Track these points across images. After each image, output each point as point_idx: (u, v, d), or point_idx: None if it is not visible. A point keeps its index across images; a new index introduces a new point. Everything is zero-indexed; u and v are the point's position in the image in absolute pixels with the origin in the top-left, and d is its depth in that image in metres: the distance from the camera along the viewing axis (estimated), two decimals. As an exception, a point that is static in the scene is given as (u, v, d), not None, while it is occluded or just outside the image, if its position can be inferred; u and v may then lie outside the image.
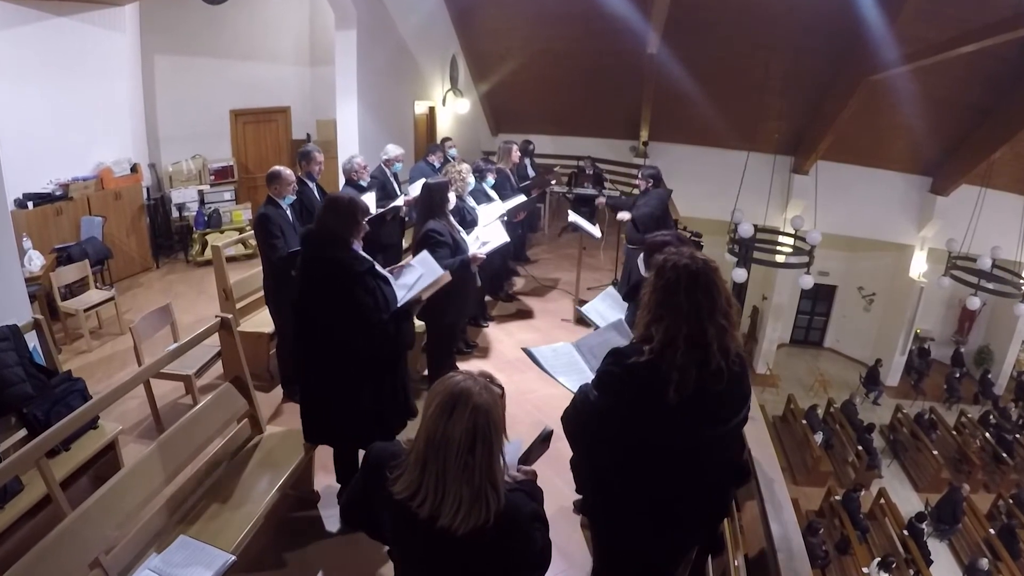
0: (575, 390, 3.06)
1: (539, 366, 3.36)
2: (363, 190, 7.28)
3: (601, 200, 9.49)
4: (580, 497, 4.20)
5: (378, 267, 4.05)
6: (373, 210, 7.07)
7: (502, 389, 2.27)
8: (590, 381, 2.87)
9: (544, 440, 2.83)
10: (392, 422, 4.26)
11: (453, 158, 9.29)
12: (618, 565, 3.10)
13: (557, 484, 4.52)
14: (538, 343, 7.39)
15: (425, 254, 4.84)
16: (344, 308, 3.82)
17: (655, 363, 2.52)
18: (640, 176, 8.03)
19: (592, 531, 3.13)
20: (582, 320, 8.44)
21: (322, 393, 4.11)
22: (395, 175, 8.24)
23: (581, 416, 2.81)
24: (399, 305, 4.08)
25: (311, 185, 6.60)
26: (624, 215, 7.94)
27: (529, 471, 2.52)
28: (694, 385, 2.49)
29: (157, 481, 3.69)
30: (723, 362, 2.54)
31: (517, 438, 2.73)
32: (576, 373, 3.24)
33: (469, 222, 6.69)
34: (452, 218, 6.03)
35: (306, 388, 4.26)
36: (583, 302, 4.65)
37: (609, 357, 2.72)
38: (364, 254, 3.99)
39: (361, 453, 4.50)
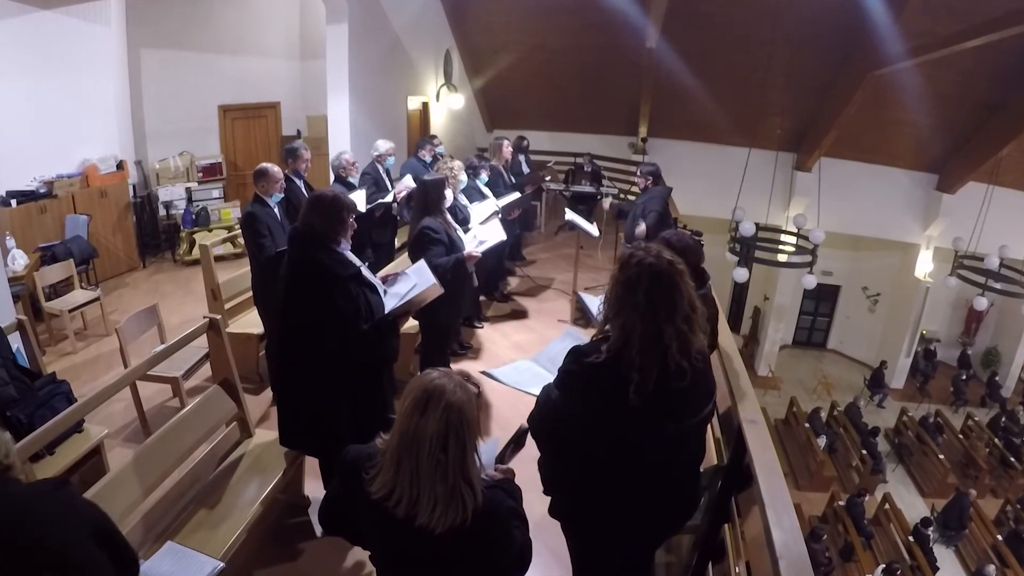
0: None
1: (504, 384, 3.37)
2: (352, 187, 7.29)
3: (607, 203, 9.34)
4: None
5: (366, 272, 4.00)
6: (362, 207, 7.10)
7: (479, 388, 2.30)
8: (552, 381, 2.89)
9: (520, 437, 2.85)
10: (372, 435, 4.21)
11: (441, 155, 9.29)
12: (592, 564, 3.14)
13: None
14: (533, 344, 7.43)
15: (422, 263, 4.80)
16: (324, 312, 3.78)
17: (614, 362, 2.54)
18: (639, 173, 8.00)
19: (564, 532, 3.16)
20: (578, 320, 8.48)
21: (302, 398, 4.06)
22: (387, 171, 8.25)
23: (545, 416, 2.83)
24: (385, 314, 4.06)
25: (298, 183, 6.60)
26: (641, 229, 7.85)
27: (506, 470, 2.56)
28: (655, 384, 2.50)
29: (144, 486, 3.68)
30: (684, 362, 2.55)
31: (493, 438, 2.76)
32: (542, 382, 3.26)
33: (461, 220, 6.68)
34: (448, 216, 6.02)
35: (284, 393, 4.24)
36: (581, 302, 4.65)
37: (569, 356, 2.73)
38: (351, 257, 3.94)
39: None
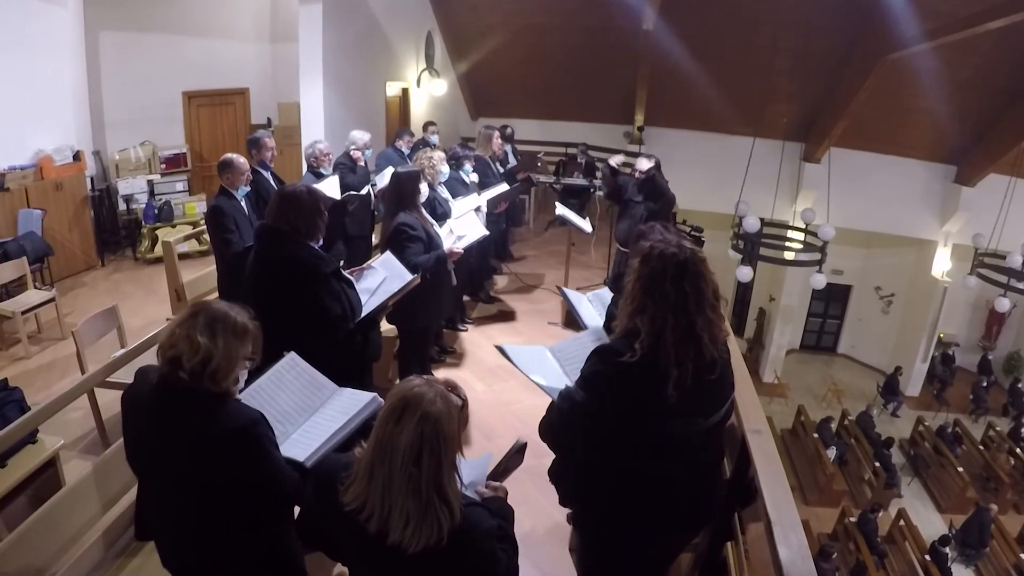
0: (546, 386, 3.15)
1: (512, 363, 3.38)
2: (325, 178, 7.30)
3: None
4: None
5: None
6: (336, 195, 7.11)
7: (464, 401, 2.30)
8: (570, 384, 2.92)
9: (518, 452, 2.86)
10: (352, 441, 4.21)
11: (434, 145, 9.24)
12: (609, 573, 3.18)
13: (541, 503, 4.55)
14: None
15: (388, 255, 4.85)
16: (306, 314, 3.77)
17: (648, 360, 2.59)
18: (643, 169, 8.00)
19: (581, 541, 3.20)
20: (570, 323, 8.50)
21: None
22: (364, 164, 8.26)
23: (570, 422, 2.85)
24: (365, 313, 4.06)
25: (265, 174, 6.61)
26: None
27: (498, 487, 2.56)
28: (691, 378, 2.58)
29: (103, 500, 3.69)
30: (715, 353, 2.65)
31: (486, 453, 2.77)
32: (551, 374, 3.28)
33: (440, 215, 6.68)
34: (424, 211, 6.03)
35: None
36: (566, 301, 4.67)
37: (594, 356, 2.78)
38: (325, 254, 3.94)
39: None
